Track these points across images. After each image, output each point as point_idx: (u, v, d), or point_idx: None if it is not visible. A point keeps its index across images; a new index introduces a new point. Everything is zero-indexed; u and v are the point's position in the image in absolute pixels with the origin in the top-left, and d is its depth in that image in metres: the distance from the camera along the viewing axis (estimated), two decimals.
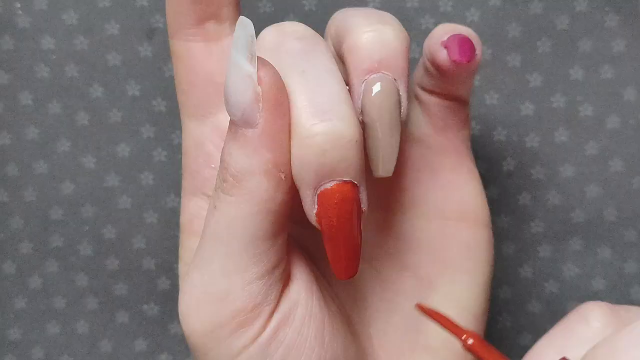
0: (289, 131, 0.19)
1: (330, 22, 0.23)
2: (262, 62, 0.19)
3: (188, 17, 0.22)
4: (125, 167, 0.31)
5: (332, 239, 0.20)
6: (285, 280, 0.21)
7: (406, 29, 0.30)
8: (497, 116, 0.30)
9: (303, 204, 0.20)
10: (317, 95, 0.19)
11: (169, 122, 0.30)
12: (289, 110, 0.19)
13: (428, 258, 0.24)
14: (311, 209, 0.19)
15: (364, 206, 0.20)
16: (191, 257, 0.22)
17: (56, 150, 0.30)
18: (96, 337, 0.32)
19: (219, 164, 0.22)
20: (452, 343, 0.24)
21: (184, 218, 0.23)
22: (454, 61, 0.22)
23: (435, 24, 0.29)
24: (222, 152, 0.20)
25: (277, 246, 0.20)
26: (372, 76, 0.20)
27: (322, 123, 0.18)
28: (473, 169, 0.25)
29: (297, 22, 0.21)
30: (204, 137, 0.23)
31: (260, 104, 0.18)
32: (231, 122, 0.19)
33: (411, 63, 0.30)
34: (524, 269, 0.32)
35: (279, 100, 0.19)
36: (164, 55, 0.30)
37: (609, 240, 0.31)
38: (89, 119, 0.30)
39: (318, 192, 0.19)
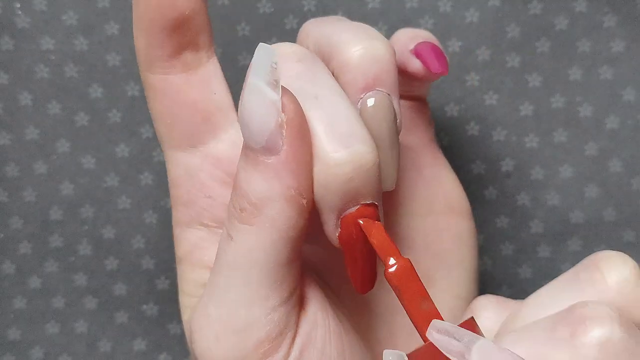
0: (311, 156, 0.19)
1: (303, 34, 0.23)
2: (283, 88, 0.18)
3: (164, 50, 0.21)
4: (124, 167, 0.31)
5: (354, 258, 0.20)
6: (301, 303, 0.21)
7: None
8: (496, 116, 0.30)
9: (324, 226, 0.20)
10: (335, 119, 0.19)
11: None
12: (310, 136, 0.19)
13: (425, 254, 0.24)
14: (334, 232, 0.20)
15: (381, 222, 0.20)
16: (193, 289, 0.22)
17: (56, 151, 0.30)
18: (95, 336, 0.32)
19: (214, 193, 0.22)
20: None
21: (182, 250, 0.23)
22: (435, 73, 0.23)
23: (435, 25, 0.29)
24: (236, 180, 0.19)
25: (295, 270, 0.20)
26: (368, 94, 0.20)
27: (346, 150, 0.18)
28: (447, 164, 0.26)
29: (290, 43, 0.21)
30: (195, 167, 0.22)
31: (284, 131, 0.18)
32: (248, 149, 0.19)
33: None
34: (523, 270, 0.32)
35: (303, 126, 0.19)
36: None
37: (608, 241, 0.31)
38: (88, 119, 0.30)
39: (342, 216, 0.19)
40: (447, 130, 0.30)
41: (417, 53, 0.24)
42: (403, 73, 0.24)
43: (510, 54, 0.30)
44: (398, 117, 0.21)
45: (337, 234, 0.20)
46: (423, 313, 0.18)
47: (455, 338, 0.18)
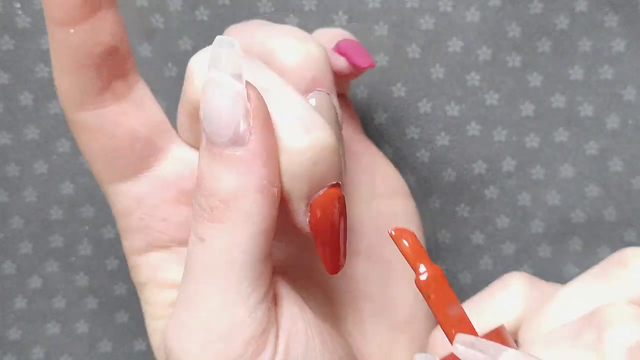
0: (276, 145, 0.19)
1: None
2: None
3: (94, 86, 0.20)
4: None
5: (325, 241, 0.20)
6: (277, 298, 0.21)
7: (406, 30, 0.30)
8: (497, 116, 0.30)
9: (294, 215, 0.20)
10: (291, 110, 0.19)
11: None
12: (272, 125, 0.19)
13: (377, 238, 0.25)
14: (304, 219, 0.20)
15: (345, 198, 0.20)
16: (161, 311, 0.22)
17: (56, 150, 0.30)
18: (96, 336, 0.32)
19: (168, 214, 0.21)
20: (421, 316, 0.25)
21: (144, 275, 0.22)
22: (365, 67, 0.23)
23: (435, 24, 0.29)
24: (201, 180, 0.19)
25: (269, 265, 0.20)
26: (308, 95, 0.21)
27: (307, 136, 0.19)
28: (379, 151, 0.26)
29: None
30: (144, 194, 0.21)
31: (251, 121, 0.18)
32: (212, 145, 0.18)
33: (410, 64, 0.30)
34: (524, 270, 0.31)
35: (267, 115, 0.19)
36: (164, 55, 0.30)
37: (609, 241, 0.31)
38: None
39: (310, 201, 0.19)
40: (448, 130, 0.30)
41: (340, 51, 0.24)
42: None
43: (511, 54, 0.30)
44: (339, 113, 0.21)
45: (307, 220, 0.20)
46: (451, 319, 0.19)
47: (480, 351, 0.18)
